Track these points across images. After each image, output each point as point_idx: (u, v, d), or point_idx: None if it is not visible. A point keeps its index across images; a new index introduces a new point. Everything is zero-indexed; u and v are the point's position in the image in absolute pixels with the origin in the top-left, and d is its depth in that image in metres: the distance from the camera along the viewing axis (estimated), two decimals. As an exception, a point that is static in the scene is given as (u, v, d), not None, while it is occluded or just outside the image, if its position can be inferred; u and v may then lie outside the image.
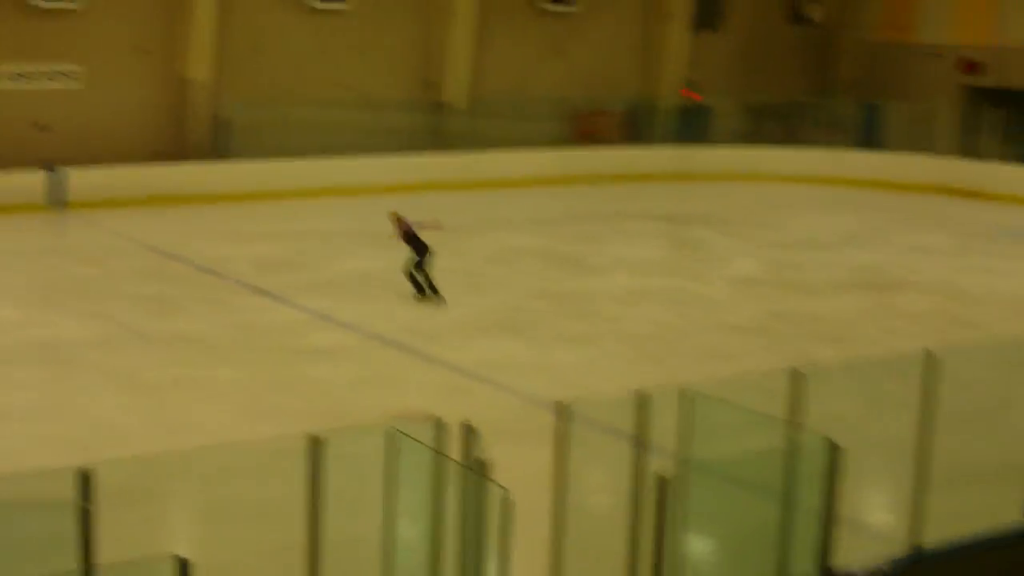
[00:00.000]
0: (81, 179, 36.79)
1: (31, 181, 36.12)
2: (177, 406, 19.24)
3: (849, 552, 11.87)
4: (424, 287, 26.26)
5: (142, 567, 7.70)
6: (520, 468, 11.84)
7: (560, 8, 46.24)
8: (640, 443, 11.06)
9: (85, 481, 8.74)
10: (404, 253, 26.43)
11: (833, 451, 10.65)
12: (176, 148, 40.22)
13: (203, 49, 39.67)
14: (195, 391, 19.98)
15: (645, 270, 29.97)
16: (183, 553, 7.64)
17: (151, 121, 40.05)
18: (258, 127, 40.52)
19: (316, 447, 9.63)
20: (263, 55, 41.55)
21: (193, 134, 40.14)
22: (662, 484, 9.89)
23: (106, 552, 8.75)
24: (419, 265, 26.33)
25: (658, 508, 10.00)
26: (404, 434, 10.29)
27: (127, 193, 37.22)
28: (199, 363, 21.46)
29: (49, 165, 36.24)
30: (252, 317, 24.71)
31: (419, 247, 26.41)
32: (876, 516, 15.09)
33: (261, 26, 41.44)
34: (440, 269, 28.80)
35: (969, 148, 45.18)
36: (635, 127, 48.47)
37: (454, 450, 10.23)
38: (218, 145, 40.58)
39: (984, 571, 12.76)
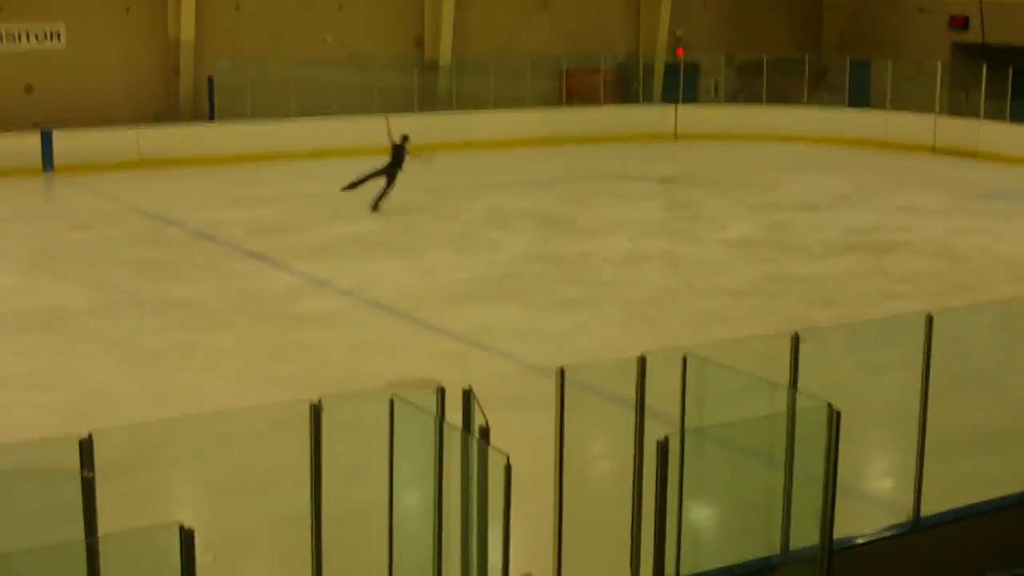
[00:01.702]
0: (68, 142, 36.70)
1: (20, 144, 36.05)
2: (175, 373, 19.23)
3: (850, 519, 11.91)
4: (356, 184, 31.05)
5: (147, 536, 7.69)
6: (520, 434, 11.86)
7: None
8: (640, 409, 11.06)
9: (87, 450, 8.74)
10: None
11: (833, 416, 10.65)
12: (164, 110, 40.16)
13: (187, 8, 39.52)
14: (193, 357, 19.98)
15: (639, 232, 29.94)
16: (186, 522, 7.64)
17: (136, 82, 40.00)
18: (244, 87, 40.43)
19: (318, 415, 9.63)
20: (247, 14, 41.41)
21: (180, 95, 40.03)
22: (663, 450, 9.89)
23: (110, 521, 8.75)
24: (381, 175, 30.97)
25: (659, 475, 9.99)
26: (406, 401, 10.29)
27: (115, 156, 37.20)
28: (196, 329, 21.45)
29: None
30: (248, 282, 24.69)
31: (395, 166, 30.69)
32: (877, 483, 15.13)
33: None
34: (433, 232, 28.90)
35: (959, 106, 45.16)
36: (624, 85, 48.40)
37: (455, 416, 10.23)
38: (205, 106, 40.51)
39: (987, 537, 12.78)
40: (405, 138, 31.73)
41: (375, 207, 31.09)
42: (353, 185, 31.23)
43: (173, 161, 37.86)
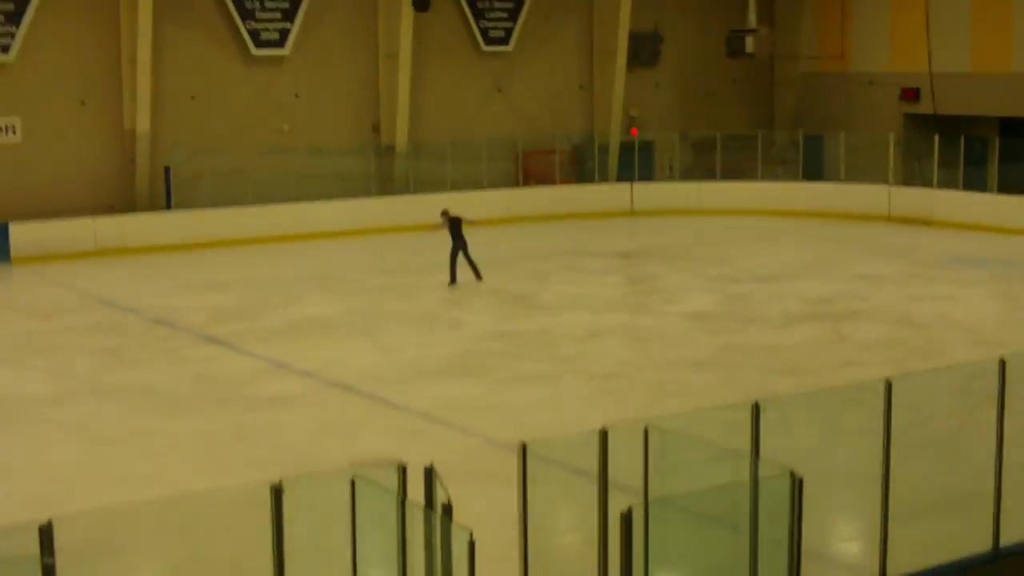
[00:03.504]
0: (25, 233, 36.64)
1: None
2: (135, 459, 19.13)
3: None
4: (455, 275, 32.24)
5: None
6: (484, 510, 11.84)
7: (496, 48, 46.46)
8: (603, 481, 11.04)
9: (46, 536, 8.67)
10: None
11: (796, 483, 10.66)
12: (120, 199, 40.13)
13: (142, 99, 39.58)
14: (153, 443, 19.87)
15: (599, 307, 30.00)
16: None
17: (93, 173, 39.98)
18: (201, 176, 40.49)
19: (278, 496, 9.58)
20: (203, 104, 41.52)
21: (137, 185, 40.02)
22: (626, 521, 9.87)
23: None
24: (458, 253, 31.98)
25: (623, 545, 9.97)
26: (367, 480, 10.25)
27: (72, 246, 37.12)
28: (156, 415, 21.35)
29: None
30: (208, 367, 24.61)
31: (457, 238, 32.06)
32: (842, 547, 15.12)
33: (200, 75, 41.43)
34: (394, 312, 28.94)
35: (912, 175, 45.53)
36: (580, 165, 48.67)
37: (417, 494, 10.19)
38: (162, 195, 40.50)
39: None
40: (445, 213, 32.90)
41: (479, 276, 32.59)
42: (454, 278, 32.38)
43: (130, 250, 37.80)
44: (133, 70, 39.43)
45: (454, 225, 32.27)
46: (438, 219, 32.97)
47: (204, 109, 41.54)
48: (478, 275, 32.37)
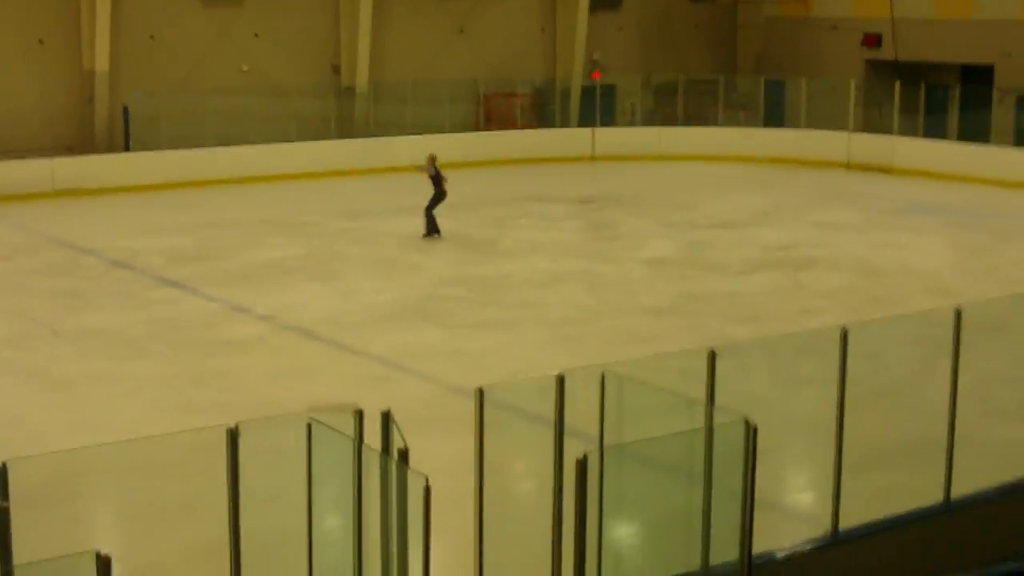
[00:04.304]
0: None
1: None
2: (92, 402, 19.10)
3: (769, 534, 11.97)
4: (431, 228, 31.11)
5: (63, 565, 7.61)
6: (440, 456, 11.85)
7: (458, -11, 46.39)
8: (559, 427, 11.07)
9: (1, 479, 8.65)
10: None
11: (750, 431, 10.71)
12: (79, 140, 39.89)
13: (101, 39, 39.28)
14: (110, 386, 19.82)
15: (558, 253, 30.02)
16: (103, 550, 7.57)
17: (51, 113, 39.73)
18: (160, 117, 40.22)
19: (234, 440, 9.58)
20: (162, 44, 41.27)
21: (95, 126, 39.77)
22: (581, 468, 9.90)
23: (25, 551, 8.66)
24: (436, 205, 31.03)
25: (578, 492, 10.01)
26: (323, 425, 10.25)
27: (30, 187, 36.84)
28: (113, 358, 21.28)
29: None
30: (165, 310, 24.52)
31: (440, 191, 30.85)
32: (796, 497, 15.21)
33: (159, 15, 41.14)
34: (353, 256, 28.90)
35: (873, 122, 45.62)
36: (542, 109, 48.59)
37: (374, 439, 10.20)
38: (120, 136, 40.27)
39: (904, 550, 12.89)
40: (432, 159, 31.69)
41: (429, 233, 31.39)
42: (432, 229, 31.37)
43: (89, 191, 37.55)
44: (92, 9, 39.14)
45: (438, 176, 31.39)
46: (421, 160, 31.93)
47: (163, 49, 41.29)
48: (429, 231, 31.38)
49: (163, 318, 23.93)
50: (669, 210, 35.65)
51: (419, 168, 31.84)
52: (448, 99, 45.54)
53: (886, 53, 47.77)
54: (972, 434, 14.04)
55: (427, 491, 8.91)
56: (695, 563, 11.18)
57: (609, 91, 49.14)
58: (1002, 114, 42.94)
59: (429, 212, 31.20)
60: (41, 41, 39.40)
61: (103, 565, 7.56)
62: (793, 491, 15.35)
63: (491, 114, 47.17)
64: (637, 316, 24.32)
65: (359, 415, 10.26)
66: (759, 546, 11.18)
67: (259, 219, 33.99)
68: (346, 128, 43.84)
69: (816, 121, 45.66)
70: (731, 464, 10.89)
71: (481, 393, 10.95)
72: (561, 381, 11.01)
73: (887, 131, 44.09)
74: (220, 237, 31.52)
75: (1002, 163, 40.88)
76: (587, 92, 48.49)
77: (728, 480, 10.96)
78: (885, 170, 42.84)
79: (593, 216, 36.18)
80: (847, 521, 12.47)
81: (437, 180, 31.16)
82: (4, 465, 8.65)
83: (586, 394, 11.50)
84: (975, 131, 42.34)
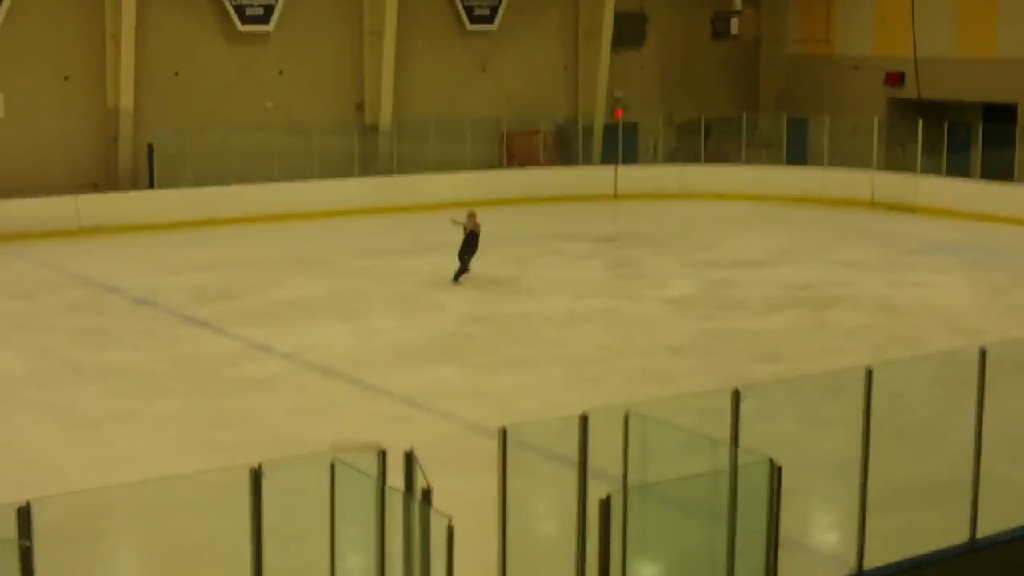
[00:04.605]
0: (6, 211, 36.49)
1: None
2: (115, 440, 19.11)
3: (793, 573, 11.92)
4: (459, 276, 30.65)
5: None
6: (463, 496, 11.82)
7: (480, 27, 46.44)
8: (583, 467, 11.05)
9: (24, 518, 8.65)
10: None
11: (774, 471, 10.68)
12: (103, 177, 40.02)
13: (125, 77, 39.46)
14: (133, 425, 19.84)
15: (580, 292, 30.01)
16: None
17: (75, 150, 39.88)
18: (184, 154, 40.35)
19: (257, 480, 9.57)
20: (187, 82, 41.43)
21: (120, 163, 39.91)
22: (605, 508, 9.88)
23: (49, 592, 8.66)
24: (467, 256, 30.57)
25: (601, 532, 9.99)
26: (347, 464, 10.25)
27: (55, 224, 36.98)
28: (136, 396, 21.32)
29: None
30: (188, 349, 24.56)
31: (473, 245, 30.49)
32: (820, 537, 15.15)
33: (183, 51, 41.31)
34: (375, 295, 28.93)
35: (896, 161, 45.58)
36: (564, 147, 48.66)
37: (396, 479, 10.19)
38: (145, 173, 40.41)
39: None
40: (473, 216, 31.09)
41: (457, 278, 30.84)
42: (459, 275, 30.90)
43: (113, 229, 37.70)
44: (117, 46, 39.32)
45: (474, 235, 30.72)
46: (461, 216, 31.18)
47: (188, 86, 41.44)
48: (458, 276, 30.78)
49: (186, 356, 23.97)
50: (691, 249, 35.63)
51: (457, 223, 31.18)
52: (471, 137, 45.63)
53: (909, 92, 47.76)
54: (997, 473, 13.97)
55: (450, 531, 8.90)
56: (719, 604, 11.15)
57: (631, 129, 49.20)
58: (1025, 152, 42.89)
59: (463, 257, 30.80)
60: (66, 78, 39.61)
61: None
62: (818, 531, 15.30)
63: (513, 152, 47.23)
64: (658, 355, 24.30)
65: (382, 455, 10.25)
66: (784, 586, 11.15)
67: (282, 257, 34.04)
68: (369, 166, 43.94)
69: (838, 159, 45.60)
70: (755, 504, 10.86)
71: (504, 433, 10.94)
72: (585, 421, 11.00)
73: (910, 170, 44.04)
74: (243, 275, 31.58)
75: (1024, 201, 40.81)
76: (609, 130, 48.54)
77: (752, 520, 10.93)
78: (908, 209, 42.78)
79: (615, 255, 36.17)
80: (872, 561, 12.41)
81: (472, 238, 30.74)
82: (28, 504, 8.66)
83: (608, 434, 11.49)
84: (998, 170, 42.25)
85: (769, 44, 52.92)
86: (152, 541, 14.03)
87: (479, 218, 30.99)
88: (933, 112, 45.50)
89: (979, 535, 13.21)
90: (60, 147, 39.58)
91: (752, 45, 52.88)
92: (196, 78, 41.57)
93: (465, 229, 30.78)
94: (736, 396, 11.81)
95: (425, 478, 9.84)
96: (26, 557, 8.72)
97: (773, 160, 47.75)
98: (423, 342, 25.08)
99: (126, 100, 39.58)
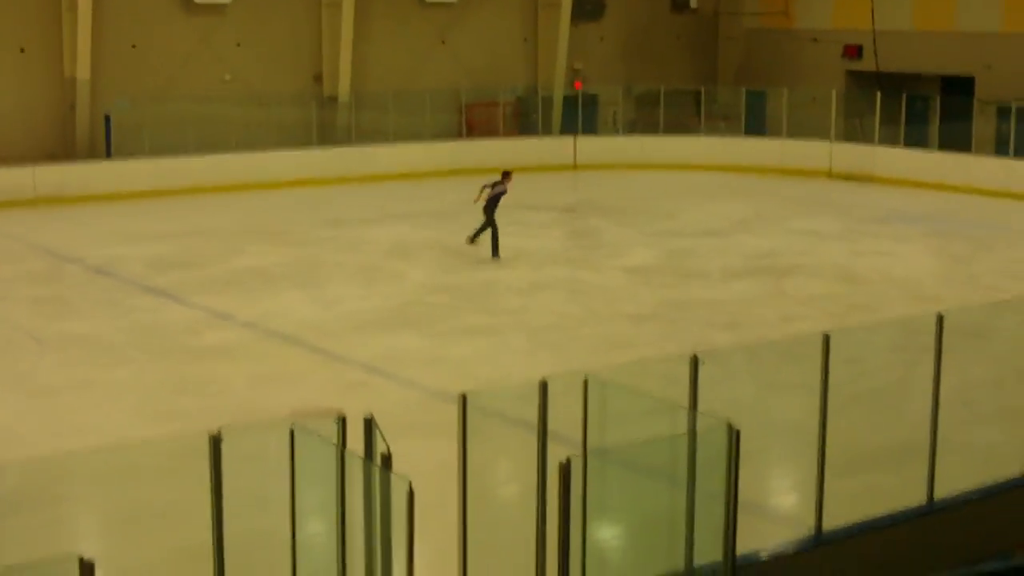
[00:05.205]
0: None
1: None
2: (75, 408, 19.06)
3: (753, 535, 12.00)
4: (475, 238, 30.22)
5: (46, 568, 7.60)
6: (424, 461, 11.86)
7: (440, -1, 46.46)
8: (542, 431, 11.08)
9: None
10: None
11: (733, 435, 10.74)
12: (60, 148, 39.80)
13: (82, 47, 39.21)
14: (92, 393, 19.80)
15: (542, 261, 30.05)
16: (86, 555, 7.56)
17: (32, 121, 39.63)
18: (142, 125, 40.15)
19: (217, 445, 9.57)
20: (144, 52, 41.20)
21: (77, 133, 39.70)
22: (565, 472, 9.92)
23: (8, 556, 8.64)
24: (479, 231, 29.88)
25: (562, 496, 10.02)
26: (306, 430, 10.25)
27: (11, 195, 36.75)
28: (96, 365, 21.25)
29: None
30: (148, 317, 24.49)
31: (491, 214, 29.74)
32: (780, 499, 15.25)
33: (141, 22, 41.07)
34: (336, 264, 28.89)
35: (854, 132, 45.75)
36: (524, 118, 48.65)
37: (357, 445, 10.20)
38: (102, 144, 40.21)
39: (887, 550, 12.93)
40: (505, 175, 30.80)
41: (473, 240, 30.44)
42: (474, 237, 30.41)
43: (70, 199, 37.50)
44: (73, 17, 39.06)
45: (492, 203, 30.18)
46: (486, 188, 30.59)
47: (145, 57, 41.22)
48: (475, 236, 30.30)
49: (146, 325, 23.90)
50: (651, 218, 35.69)
51: (489, 189, 30.55)
52: (430, 108, 45.55)
53: (867, 64, 47.89)
54: (954, 437, 14.09)
55: (411, 495, 8.91)
56: (679, 565, 11.21)
57: (591, 100, 49.23)
58: (982, 125, 43.10)
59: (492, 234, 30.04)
60: (22, 49, 39.34)
61: (86, 570, 7.55)
62: (777, 494, 15.40)
63: (473, 123, 47.18)
64: (619, 323, 24.35)
65: (342, 420, 10.26)
66: (743, 547, 11.22)
67: (241, 227, 33.96)
68: (328, 137, 43.85)
69: (797, 131, 45.71)
70: (714, 467, 10.92)
71: (464, 399, 10.97)
72: (544, 386, 11.04)
73: (868, 141, 44.24)
74: (202, 245, 31.48)
75: (982, 172, 41.09)
76: (569, 101, 48.56)
77: (711, 483, 10.99)
78: (866, 179, 42.98)
79: (575, 224, 36.21)
80: (831, 522, 12.51)
81: (490, 207, 30.14)
82: (-12, 468, 8.65)
83: (569, 399, 11.53)
84: (956, 142, 42.48)
85: (728, 17, 52.96)
86: (112, 506, 14.02)
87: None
88: (891, 84, 45.67)
89: (936, 497, 13.33)
90: (17, 118, 39.31)
91: (711, 18, 52.92)
92: (153, 50, 41.35)
93: (496, 190, 30.37)
94: (694, 361, 11.86)
95: (385, 443, 9.86)
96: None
97: (732, 132, 47.88)
98: (384, 311, 25.07)
99: (83, 71, 39.33)
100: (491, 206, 30.09)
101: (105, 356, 21.79)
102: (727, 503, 10.92)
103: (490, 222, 30.01)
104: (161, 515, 13.77)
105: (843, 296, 26.49)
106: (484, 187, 30.46)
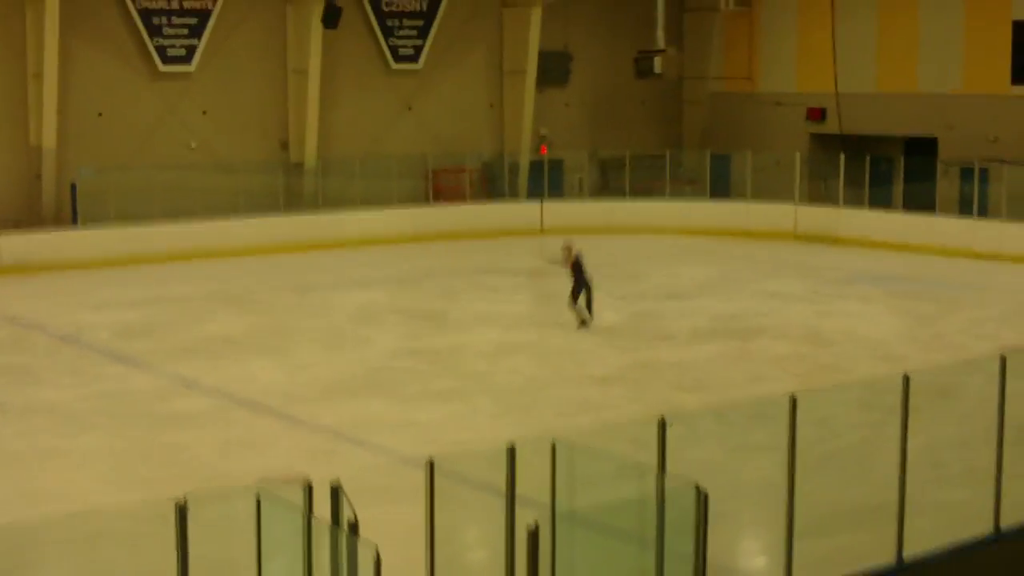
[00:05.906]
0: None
1: None
2: (40, 476, 18.93)
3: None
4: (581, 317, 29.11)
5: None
6: (392, 527, 11.81)
7: (406, 66, 46.54)
8: (511, 496, 11.06)
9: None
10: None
11: (701, 497, 10.73)
12: (26, 216, 39.69)
13: (48, 116, 39.21)
14: (58, 461, 19.67)
15: (508, 324, 30.05)
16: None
17: (-1, 189, 39.58)
18: (108, 193, 40.08)
19: (183, 512, 9.52)
20: (110, 121, 41.23)
21: (43, 202, 39.62)
22: (533, 536, 9.89)
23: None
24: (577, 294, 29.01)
25: (530, 561, 9.99)
26: (273, 497, 10.22)
27: (-23, 264, 36.66)
28: (62, 433, 21.12)
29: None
30: (114, 385, 24.38)
31: (579, 279, 28.96)
32: (749, 561, 15.22)
33: (107, 91, 41.11)
34: (302, 330, 28.85)
35: (818, 194, 46.04)
36: (490, 183, 48.79)
37: (324, 511, 10.17)
38: (68, 212, 40.14)
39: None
40: (568, 248, 29.93)
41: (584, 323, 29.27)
42: (582, 321, 29.27)
43: (36, 267, 37.39)
44: (39, 85, 39.06)
45: (578, 266, 29.45)
46: (557, 252, 30.07)
47: (111, 125, 41.23)
48: (583, 322, 29.25)
49: (112, 393, 23.79)
50: (618, 282, 35.70)
51: (557, 263, 29.99)
52: (396, 174, 45.65)
53: (831, 127, 48.26)
54: (923, 497, 14.10)
55: (378, 561, 8.88)
56: (648, 629, 11.18)
57: (557, 166, 49.42)
58: (946, 185, 43.42)
59: (575, 302, 29.34)
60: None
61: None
62: (746, 555, 15.37)
63: (439, 188, 47.29)
64: (586, 386, 24.35)
65: (308, 487, 10.23)
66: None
67: (208, 294, 33.91)
68: (294, 203, 43.87)
69: (762, 194, 45.95)
70: (683, 530, 10.91)
71: (431, 464, 10.95)
72: (512, 451, 11.03)
73: (833, 203, 44.51)
74: (168, 312, 31.41)
75: (945, 232, 41.37)
76: (535, 166, 48.73)
77: (680, 545, 10.97)
78: (831, 240, 43.20)
79: (542, 288, 36.21)
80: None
81: (577, 268, 29.45)
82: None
83: (537, 463, 11.51)
84: (919, 202, 42.81)
85: (692, 82, 53.33)
86: (79, 573, 13.90)
87: (577, 246, 29.81)
88: (855, 146, 45.98)
89: (905, 558, 13.32)
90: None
91: (675, 83, 53.23)
92: (119, 117, 41.37)
93: (565, 263, 29.61)
94: (662, 423, 11.87)
95: (352, 510, 9.84)
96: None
97: (698, 196, 48.12)
98: (351, 376, 25.02)
99: (48, 139, 39.31)
100: (578, 268, 29.41)
101: (71, 425, 21.66)
102: (696, 565, 10.89)
103: (582, 282, 29.32)
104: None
105: (810, 357, 26.56)
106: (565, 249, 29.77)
